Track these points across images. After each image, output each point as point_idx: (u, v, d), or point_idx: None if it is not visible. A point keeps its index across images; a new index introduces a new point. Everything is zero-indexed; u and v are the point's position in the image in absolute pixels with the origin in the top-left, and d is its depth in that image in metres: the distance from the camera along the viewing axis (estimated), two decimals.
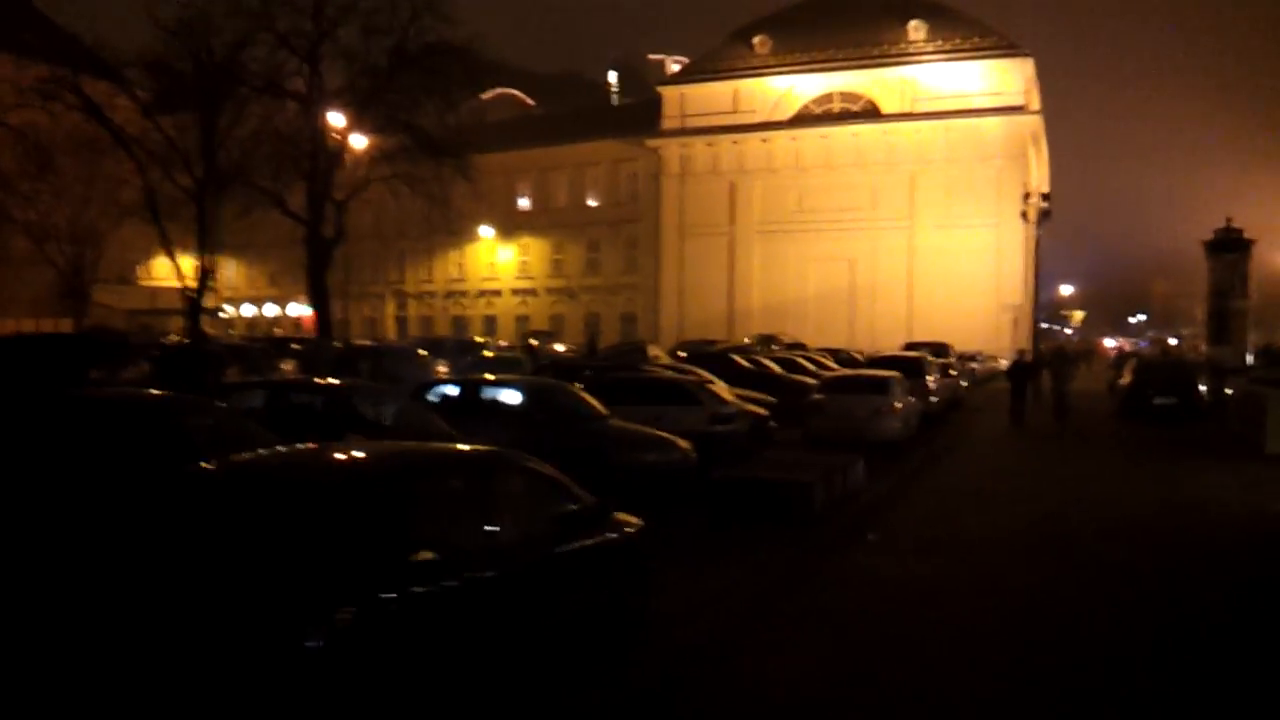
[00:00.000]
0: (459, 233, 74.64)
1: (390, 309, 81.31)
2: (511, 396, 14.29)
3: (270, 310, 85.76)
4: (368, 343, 41.23)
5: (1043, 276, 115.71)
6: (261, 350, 27.66)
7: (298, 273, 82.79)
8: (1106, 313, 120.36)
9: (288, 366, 25.96)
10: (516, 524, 5.98)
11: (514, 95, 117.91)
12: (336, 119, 35.83)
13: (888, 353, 30.30)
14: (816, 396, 19.60)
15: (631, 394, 16.48)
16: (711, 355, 32.29)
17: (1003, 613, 8.24)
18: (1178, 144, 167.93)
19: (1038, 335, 52.24)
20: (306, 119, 34.24)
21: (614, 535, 6.95)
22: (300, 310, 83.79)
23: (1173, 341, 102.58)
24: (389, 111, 36.28)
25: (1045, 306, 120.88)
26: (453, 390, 14.96)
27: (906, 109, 62.88)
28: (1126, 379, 26.80)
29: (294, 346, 30.83)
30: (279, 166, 34.69)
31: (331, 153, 34.92)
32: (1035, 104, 62.53)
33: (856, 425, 18.67)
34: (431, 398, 14.80)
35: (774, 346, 47.01)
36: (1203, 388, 27.05)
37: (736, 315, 66.07)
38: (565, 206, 73.19)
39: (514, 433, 12.92)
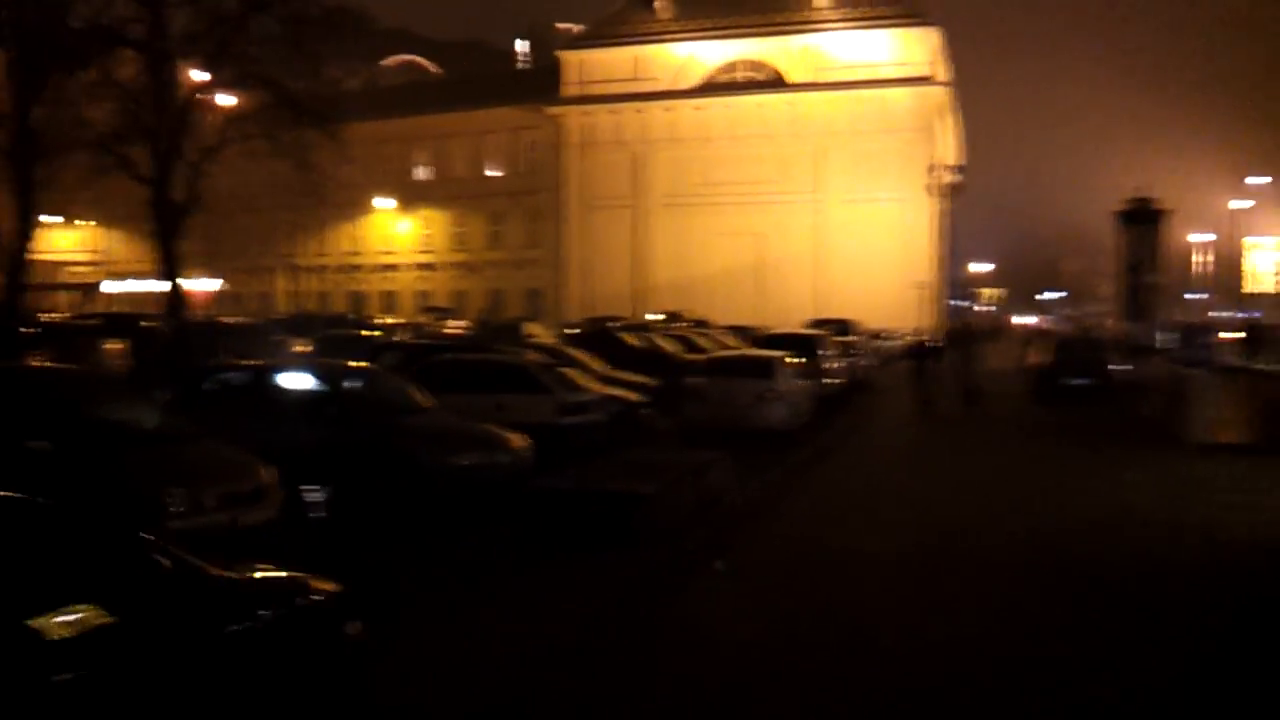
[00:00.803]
0: (341, 203, 70.67)
1: (282, 283, 77.17)
2: (307, 385, 11.67)
3: (160, 286, 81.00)
4: (232, 320, 38.04)
5: (956, 253, 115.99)
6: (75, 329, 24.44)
7: (192, 245, 79.24)
8: (1020, 290, 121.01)
9: (115, 347, 22.85)
10: None
11: (416, 62, 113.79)
12: (193, 75, 32.42)
13: (785, 330, 28.24)
14: (693, 381, 17.33)
15: (465, 380, 14.02)
16: (599, 333, 29.91)
17: (870, 687, 5.98)
18: (1091, 115, 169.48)
19: (946, 312, 50.95)
20: (148, 69, 30.72)
21: (268, 616, 4.41)
22: (190, 285, 79.44)
23: (1083, 318, 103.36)
24: (245, 66, 32.83)
25: (958, 283, 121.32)
26: (242, 378, 12.28)
27: (812, 79, 61.04)
28: (1036, 359, 25.13)
29: (145, 325, 27.67)
30: (123, 125, 31.17)
31: (180, 108, 31.46)
32: (943, 75, 61.20)
33: (737, 413, 16.48)
34: (213, 387, 12.12)
35: (676, 324, 44.92)
36: (1116, 366, 25.55)
37: (642, 291, 63.75)
38: (466, 177, 70.00)
39: (299, 430, 10.39)
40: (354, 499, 9.89)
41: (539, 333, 30.52)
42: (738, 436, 16.53)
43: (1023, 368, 26.66)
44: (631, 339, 29.02)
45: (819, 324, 35.00)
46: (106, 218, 75.62)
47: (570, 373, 15.70)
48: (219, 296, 76.85)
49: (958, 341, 23.01)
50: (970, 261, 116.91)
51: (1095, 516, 11.13)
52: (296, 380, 11.43)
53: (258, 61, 33.63)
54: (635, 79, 64.14)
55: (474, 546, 9.30)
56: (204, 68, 32.41)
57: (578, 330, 32.51)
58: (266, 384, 11.63)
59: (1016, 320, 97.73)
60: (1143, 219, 26.94)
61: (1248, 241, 48.54)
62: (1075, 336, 36.13)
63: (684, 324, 44.20)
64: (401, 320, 46.88)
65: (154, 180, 31.28)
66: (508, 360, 14.86)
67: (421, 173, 72.05)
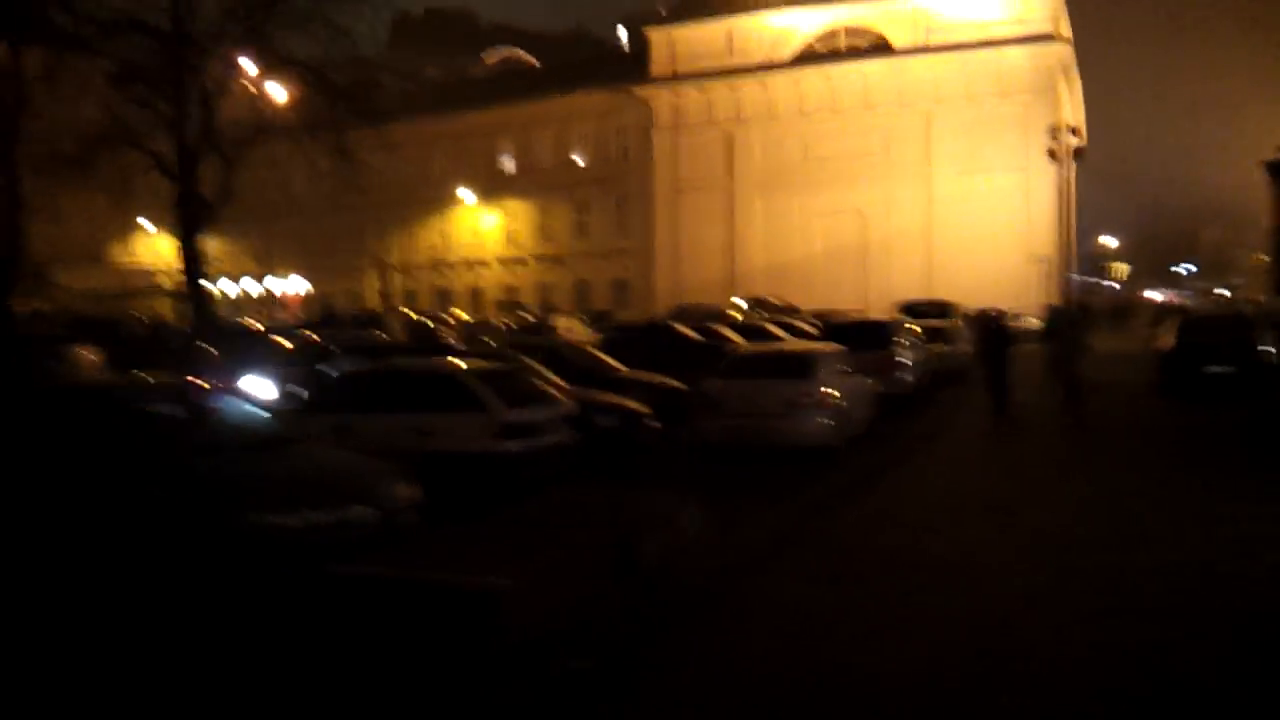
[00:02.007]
0: (427, 199, 69.09)
1: (373, 282, 75.94)
2: (110, 405, 8.58)
3: (254, 287, 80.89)
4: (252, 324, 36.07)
5: (1082, 226, 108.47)
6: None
7: (284, 246, 78.94)
8: (1152, 264, 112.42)
9: (92, 357, 20.52)
10: None
11: (518, 56, 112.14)
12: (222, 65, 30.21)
13: (861, 315, 24.33)
14: (708, 385, 13.74)
15: (385, 397, 10.80)
16: (652, 327, 26.57)
17: None
18: (1228, 67, 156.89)
19: (1068, 289, 45.71)
20: (171, 53, 28.50)
21: None
22: (282, 286, 78.99)
23: (1224, 292, 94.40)
24: (276, 51, 30.46)
25: (1084, 259, 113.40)
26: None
27: (920, 43, 56.15)
28: (1167, 341, 20.60)
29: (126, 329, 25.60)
30: (146, 119, 29.19)
31: (206, 99, 29.20)
32: (1065, 31, 55.60)
33: (763, 425, 12.89)
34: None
35: (763, 311, 41.20)
36: (1269, 349, 20.83)
37: (737, 277, 59.97)
38: (552, 166, 67.30)
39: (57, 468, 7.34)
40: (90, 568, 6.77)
41: (573, 328, 27.23)
42: (763, 456, 12.98)
43: (1151, 351, 22.06)
44: (688, 331, 25.62)
45: (913, 306, 30.81)
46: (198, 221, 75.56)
47: (552, 380, 12.30)
48: (308, 298, 76.40)
49: (1059, 322, 18.40)
50: (1098, 235, 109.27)
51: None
52: (71, 406, 8.31)
53: (288, 47, 31.27)
54: (729, 54, 60.31)
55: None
56: (233, 54, 30.18)
57: (626, 325, 29.07)
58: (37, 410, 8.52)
59: (1150, 295, 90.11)
60: None
61: None
62: (1214, 313, 30.78)
63: (768, 311, 40.50)
64: (464, 317, 44.25)
65: (179, 175, 29.15)
66: (434, 370, 11.52)
67: (507, 164, 69.65)
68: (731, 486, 11.81)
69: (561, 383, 13.98)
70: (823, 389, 13.30)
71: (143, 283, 73.92)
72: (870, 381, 15.80)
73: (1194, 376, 19.27)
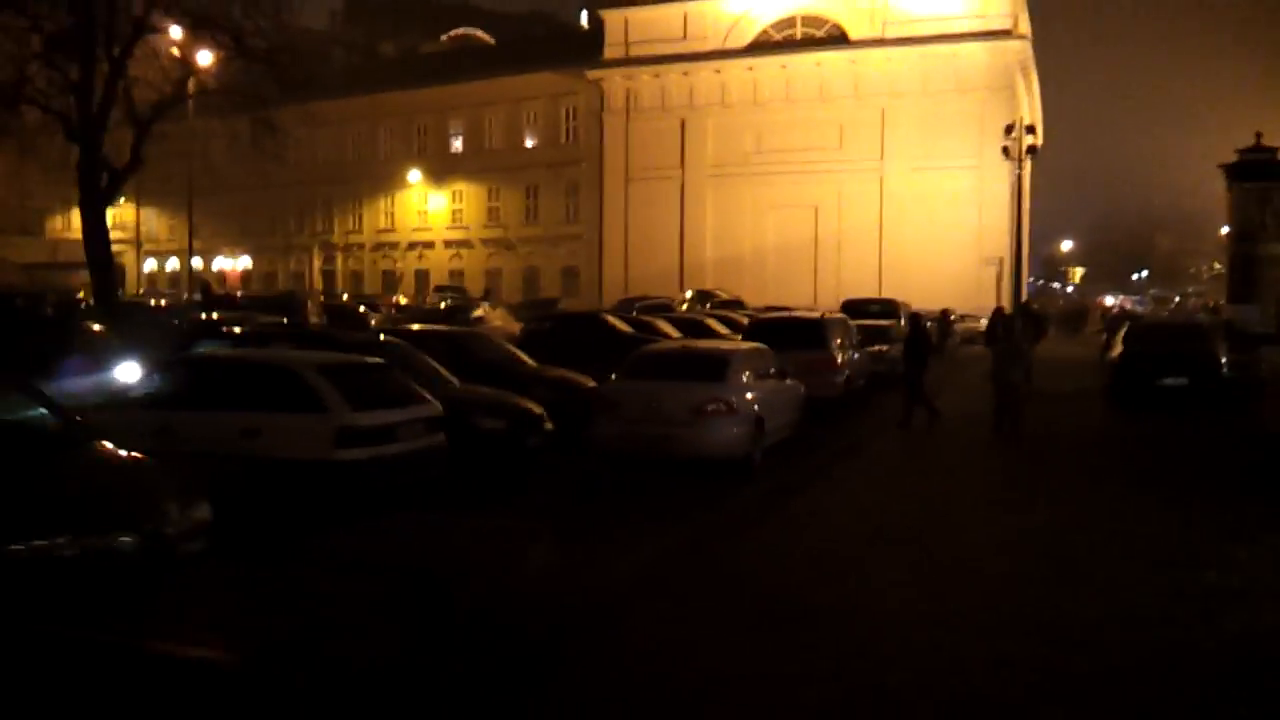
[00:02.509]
0: (375, 176, 66.96)
1: (317, 263, 73.83)
2: None
3: (196, 263, 78.28)
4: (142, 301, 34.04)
5: (1039, 230, 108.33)
6: None
7: (227, 221, 76.46)
8: (1108, 269, 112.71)
9: None
10: None
11: (476, 36, 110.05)
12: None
13: (792, 313, 23.00)
14: (608, 386, 12.28)
15: (209, 390, 9.23)
16: (583, 319, 25.12)
17: None
18: (1189, 71, 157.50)
19: (1018, 291, 44.83)
20: (78, 10, 26.48)
21: None
22: (226, 263, 76.52)
23: (1175, 299, 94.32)
24: (194, 10, 28.52)
25: (1041, 262, 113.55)
26: None
27: (877, 34, 54.99)
28: (1118, 349, 19.48)
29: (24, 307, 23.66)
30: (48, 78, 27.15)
31: (114, 60, 27.17)
32: (1024, 28, 54.74)
33: (665, 433, 11.48)
34: None
35: (707, 305, 39.89)
36: (1223, 360, 19.84)
37: (688, 269, 58.68)
38: (502, 148, 65.48)
39: None
40: None
41: (492, 317, 25.62)
42: (668, 467, 11.58)
43: (1103, 361, 20.95)
44: (620, 324, 24.18)
45: (857, 305, 29.59)
46: (141, 194, 73.01)
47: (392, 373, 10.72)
48: (246, 275, 74.06)
49: (999, 328, 16.90)
50: (1055, 239, 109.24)
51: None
52: None
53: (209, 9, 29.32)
54: (684, 39, 58.78)
55: None
56: (145, 13, 28.19)
57: (557, 315, 27.53)
58: None
59: (1105, 300, 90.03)
60: (1258, 173, 21.04)
61: None
62: (1166, 321, 29.76)
63: (711, 305, 39.21)
64: (403, 301, 42.49)
65: (82, 140, 27.12)
66: (266, 361, 9.90)
67: (457, 144, 67.72)
68: (618, 504, 10.45)
69: (452, 378, 12.49)
70: (736, 393, 11.88)
71: (76, 256, 71.08)
72: (798, 384, 14.44)
73: (1145, 388, 18.15)
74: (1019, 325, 15.44)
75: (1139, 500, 10.75)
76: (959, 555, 8.60)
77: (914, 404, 16.28)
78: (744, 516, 10.08)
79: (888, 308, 29.33)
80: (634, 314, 35.50)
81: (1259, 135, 21.34)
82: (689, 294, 43.74)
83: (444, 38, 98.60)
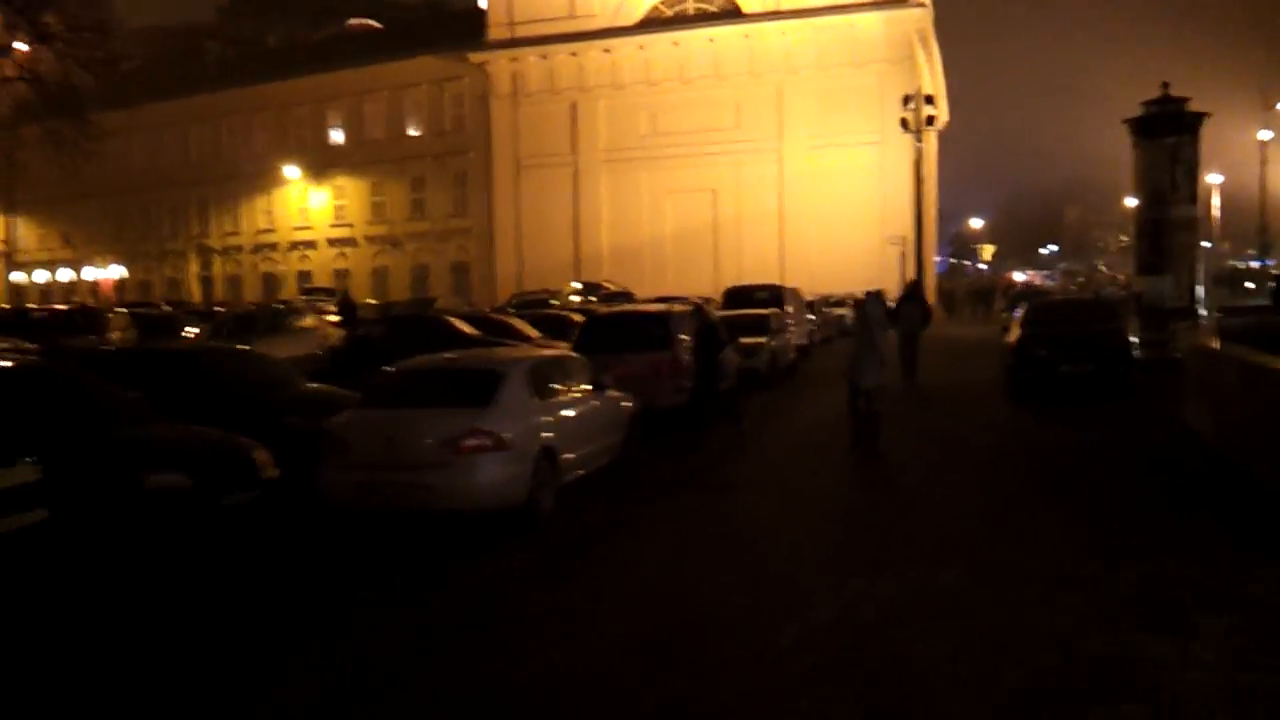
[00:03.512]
0: (251, 174, 62.83)
1: (194, 267, 69.31)
2: None
3: (65, 275, 73.21)
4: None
5: (950, 209, 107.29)
6: None
7: (94, 230, 71.49)
8: (1019, 245, 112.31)
9: None
10: None
11: (371, 26, 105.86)
12: None
13: (639, 305, 20.13)
14: (342, 419, 9.22)
15: None
16: (414, 319, 22.07)
17: None
18: (1095, 43, 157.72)
19: (920, 269, 42.68)
20: None
21: None
22: (98, 274, 71.56)
23: (1079, 271, 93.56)
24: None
25: (952, 240, 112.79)
26: None
27: (772, 8, 52.48)
28: (1015, 333, 16.93)
29: None
30: None
31: None
32: None
33: (407, 481, 8.48)
34: None
35: (591, 298, 37.06)
36: (1133, 340, 17.47)
37: (584, 260, 55.74)
38: (384, 139, 61.74)
39: None
40: None
41: (308, 321, 22.32)
42: (423, 523, 8.64)
43: (1001, 346, 18.41)
44: (463, 325, 21.10)
45: (741, 291, 26.90)
46: (9, 203, 68.08)
47: None
48: (121, 284, 69.33)
49: (855, 315, 13.68)
50: (966, 217, 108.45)
51: None
52: None
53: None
54: (572, 17, 55.63)
55: None
56: None
57: (393, 316, 24.39)
58: None
59: (1018, 278, 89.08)
60: (1168, 128, 18.67)
61: None
62: (1069, 298, 27.36)
63: (597, 298, 36.41)
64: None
65: None
66: None
67: (337, 137, 63.82)
68: (333, 581, 7.49)
69: (148, 414, 9.32)
70: (509, 420, 8.91)
71: None
72: (620, 398, 11.55)
73: (1045, 377, 15.61)
74: (877, 312, 12.59)
75: (1012, 552, 8.01)
76: (774, 675, 5.76)
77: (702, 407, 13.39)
78: (493, 602, 7.15)
79: (775, 294, 26.62)
80: (509, 310, 32.67)
81: (1166, 85, 18.92)
82: (575, 286, 40.81)
83: (344, 32, 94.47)
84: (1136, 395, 15.61)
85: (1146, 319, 18.77)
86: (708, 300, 29.30)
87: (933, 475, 11.20)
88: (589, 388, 10.96)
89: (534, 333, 21.83)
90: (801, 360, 25.03)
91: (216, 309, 32.53)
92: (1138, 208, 19.30)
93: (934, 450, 12.72)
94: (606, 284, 41.20)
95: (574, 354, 11.30)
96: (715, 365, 13.86)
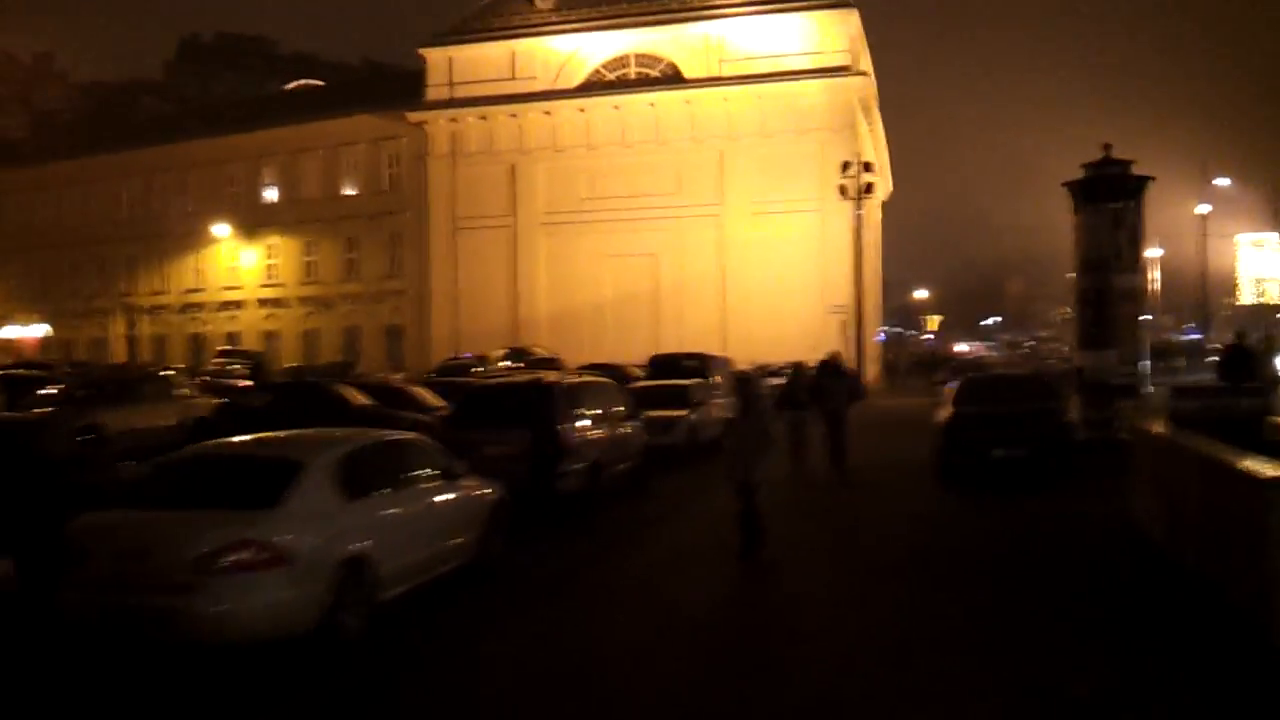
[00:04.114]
0: (180, 233, 60.94)
1: (119, 327, 66.51)
2: None
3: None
4: None
5: (896, 279, 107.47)
6: None
7: (19, 286, 68.80)
8: (964, 316, 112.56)
9: None
10: None
11: (312, 85, 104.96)
12: None
13: (513, 375, 18.31)
14: (83, 522, 7.27)
15: None
16: (300, 387, 20.19)
17: None
18: (1035, 120, 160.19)
19: (860, 339, 41.55)
20: None
21: None
22: (18, 332, 68.68)
23: (1022, 343, 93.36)
24: None
25: (899, 311, 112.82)
26: None
27: (714, 73, 51.84)
28: (946, 410, 15.37)
29: None
30: None
31: None
32: (865, 66, 52.30)
33: (151, 606, 6.61)
34: None
35: (517, 364, 35.34)
36: (1073, 420, 16.00)
37: (521, 325, 54.10)
38: (318, 198, 60.02)
39: None
40: None
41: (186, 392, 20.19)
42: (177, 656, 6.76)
43: (932, 423, 16.73)
44: (354, 394, 19.30)
45: (666, 360, 25.35)
46: None
47: None
48: (45, 343, 66.49)
49: (742, 400, 11.36)
50: (913, 288, 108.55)
51: None
52: None
53: None
54: (512, 79, 54.63)
55: None
56: None
57: (276, 384, 22.46)
58: None
59: (963, 348, 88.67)
60: (1112, 192, 17.46)
61: (1241, 240, 39.27)
62: (1004, 374, 25.93)
63: (523, 365, 34.67)
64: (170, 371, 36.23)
65: None
66: None
67: (270, 194, 62.00)
68: None
69: None
70: (295, 526, 7.10)
71: None
72: (475, 488, 9.76)
73: (976, 462, 14.05)
74: (759, 399, 10.74)
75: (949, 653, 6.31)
76: None
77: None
78: None
79: (703, 363, 25.08)
80: (429, 376, 30.78)
81: (1108, 147, 17.74)
82: (502, 351, 39.04)
83: (283, 90, 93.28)
84: (1077, 482, 14.10)
85: (1089, 396, 17.36)
86: (642, 367, 27.72)
87: (836, 592, 9.47)
88: (436, 477, 9.17)
89: (439, 402, 20.08)
90: None
91: (67, 369, 30.11)
92: (1078, 276, 17.98)
93: (846, 555, 11.04)
94: (535, 349, 39.56)
95: (420, 437, 9.55)
96: (555, 442, 11.94)
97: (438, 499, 9.02)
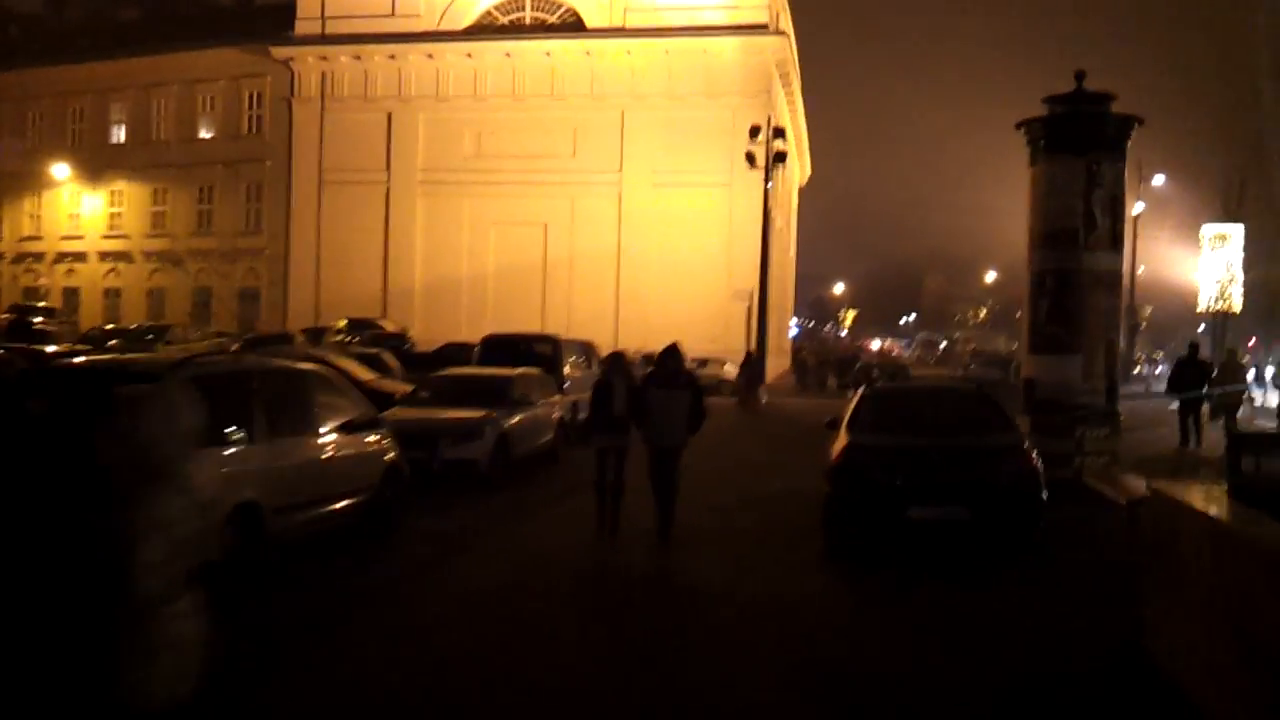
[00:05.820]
0: (17, 173, 53.65)
1: None
2: None
3: None
4: None
5: (813, 272, 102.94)
6: None
7: None
8: (880, 312, 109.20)
9: None
10: None
11: (175, 13, 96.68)
12: None
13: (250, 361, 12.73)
14: None
15: None
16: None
17: None
18: (959, 113, 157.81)
19: (763, 328, 36.63)
20: None
21: None
22: None
23: (940, 341, 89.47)
24: None
25: (815, 304, 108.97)
26: None
27: (618, 23, 46.43)
28: (840, 441, 9.79)
29: None
30: None
31: None
32: (784, 25, 47.37)
33: None
34: None
35: (352, 340, 29.63)
36: (1035, 456, 10.50)
37: (393, 293, 48.33)
38: (172, 140, 53.13)
39: None
40: None
41: None
42: None
43: (826, 463, 10.73)
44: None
45: (502, 340, 19.97)
46: None
47: None
48: None
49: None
50: (830, 282, 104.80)
51: None
52: None
53: None
54: (392, 15, 48.51)
55: None
56: None
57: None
58: None
59: (875, 346, 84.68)
60: (1084, 137, 12.43)
61: (1205, 232, 35.08)
62: (934, 387, 20.18)
63: (363, 340, 28.98)
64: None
65: None
66: None
67: (120, 134, 54.86)
68: None
69: None
70: None
71: None
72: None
73: (884, 524, 8.81)
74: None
75: None
76: None
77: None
78: None
79: (555, 350, 19.71)
80: (231, 349, 25.00)
81: (1081, 75, 12.68)
82: (341, 324, 33.17)
83: (138, 16, 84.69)
84: (1044, 563, 9.06)
85: (1040, 419, 12.35)
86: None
87: None
88: None
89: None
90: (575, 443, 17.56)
91: None
92: (1032, 253, 12.94)
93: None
94: (381, 322, 33.75)
95: None
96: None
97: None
